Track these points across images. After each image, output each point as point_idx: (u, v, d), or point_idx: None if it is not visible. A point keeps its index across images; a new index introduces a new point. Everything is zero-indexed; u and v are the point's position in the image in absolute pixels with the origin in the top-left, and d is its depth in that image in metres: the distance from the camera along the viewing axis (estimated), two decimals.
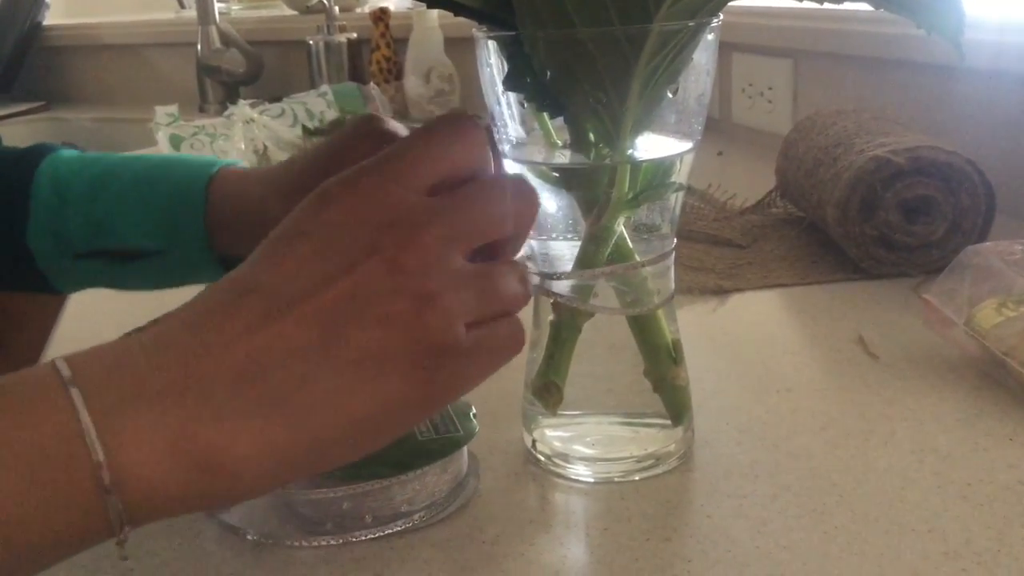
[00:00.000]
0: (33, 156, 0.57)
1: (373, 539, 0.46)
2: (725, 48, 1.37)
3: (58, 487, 0.30)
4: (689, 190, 0.99)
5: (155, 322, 0.35)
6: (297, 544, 0.46)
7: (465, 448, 0.50)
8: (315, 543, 0.46)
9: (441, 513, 0.48)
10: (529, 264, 0.46)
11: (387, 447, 0.37)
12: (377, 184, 0.35)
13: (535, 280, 0.47)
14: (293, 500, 0.47)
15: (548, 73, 0.44)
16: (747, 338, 0.70)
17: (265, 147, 1.29)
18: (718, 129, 1.40)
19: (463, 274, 0.35)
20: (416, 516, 0.47)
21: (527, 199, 0.39)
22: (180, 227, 0.54)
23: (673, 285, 0.51)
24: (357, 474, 0.46)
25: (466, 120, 0.38)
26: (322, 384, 0.33)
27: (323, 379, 0.33)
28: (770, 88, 1.30)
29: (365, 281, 0.34)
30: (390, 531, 0.47)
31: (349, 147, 0.52)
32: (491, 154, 0.40)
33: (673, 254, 0.51)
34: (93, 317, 0.81)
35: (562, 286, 0.49)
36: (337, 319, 0.33)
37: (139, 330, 0.34)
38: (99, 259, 0.55)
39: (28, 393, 0.31)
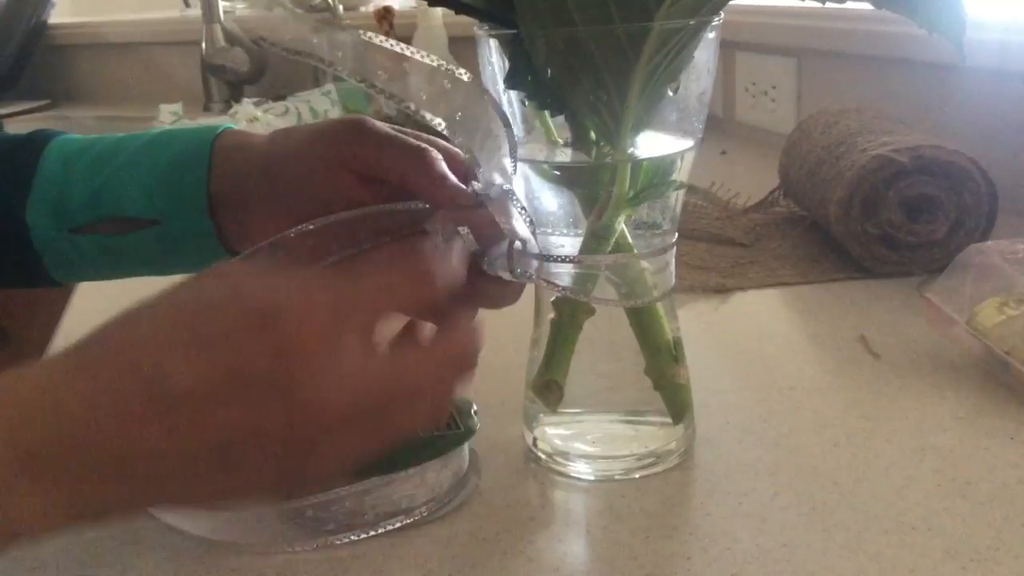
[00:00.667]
0: (44, 135, 0.57)
1: (374, 536, 0.47)
2: (729, 47, 1.37)
3: None
4: (692, 189, 0.99)
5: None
6: (300, 549, 0.46)
7: (466, 445, 0.50)
8: (315, 545, 0.46)
9: (442, 510, 0.48)
10: (530, 247, 0.47)
11: None
12: (329, 336, 0.35)
13: (534, 265, 0.46)
14: (297, 504, 0.47)
15: (549, 71, 0.44)
16: (749, 337, 0.70)
17: None
18: (721, 128, 1.40)
19: (368, 429, 0.36)
20: (417, 512, 0.48)
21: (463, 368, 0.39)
22: (181, 189, 0.53)
23: (673, 280, 0.51)
24: (359, 471, 0.46)
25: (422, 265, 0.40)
26: (189, 481, 0.35)
27: (191, 478, 0.35)
28: (773, 87, 1.30)
29: (262, 424, 0.34)
30: (391, 527, 0.47)
31: (341, 142, 0.51)
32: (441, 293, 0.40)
33: (674, 249, 0.51)
34: (97, 314, 0.81)
35: (562, 277, 0.49)
36: (222, 447, 0.34)
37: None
38: (96, 235, 0.54)
39: None
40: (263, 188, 0.52)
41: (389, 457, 0.46)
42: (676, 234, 0.51)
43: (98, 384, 0.34)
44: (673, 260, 0.51)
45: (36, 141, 0.57)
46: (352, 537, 0.46)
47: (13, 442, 0.33)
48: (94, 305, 0.83)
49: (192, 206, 0.53)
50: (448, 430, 0.50)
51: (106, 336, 0.36)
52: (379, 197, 0.48)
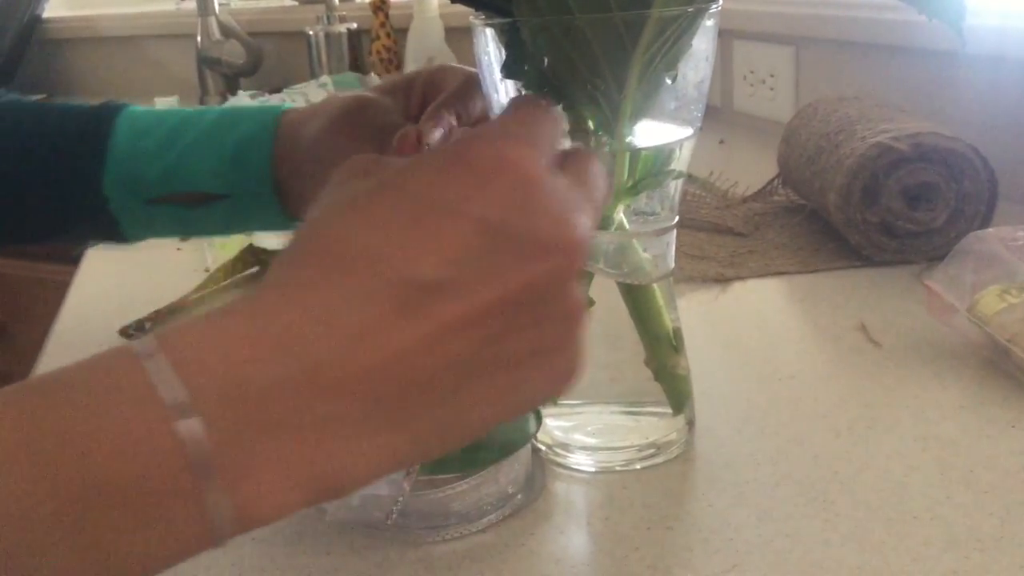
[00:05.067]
0: (109, 110, 0.61)
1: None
2: (727, 35, 1.36)
3: (168, 524, 0.26)
4: (691, 178, 0.98)
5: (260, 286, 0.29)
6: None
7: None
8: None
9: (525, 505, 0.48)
10: None
11: None
12: (531, 163, 0.30)
13: None
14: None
15: (546, 60, 0.43)
16: (749, 326, 0.70)
17: None
18: (720, 117, 1.39)
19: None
20: (503, 510, 0.47)
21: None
22: (247, 171, 0.58)
23: (672, 263, 0.51)
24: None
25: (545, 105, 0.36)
26: (462, 398, 0.29)
27: (465, 393, 0.29)
28: (772, 75, 1.29)
29: (532, 285, 0.29)
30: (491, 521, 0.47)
31: (413, 91, 0.57)
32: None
33: (673, 233, 0.50)
34: (93, 307, 0.81)
35: None
36: (496, 326, 0.29)
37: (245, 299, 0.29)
38: (170, 205, 0.59)
39: (128, 416, 0.25)
40: (320, 170, 0.54)
41: (473, 455, 0.47)
42: (676, 217, 0.50)
43: (319, 292, 0.28)
44: (673, 243, 0.51)
45: (104, 115, 0.60)
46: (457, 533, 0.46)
47: (225, 413, 0.26)
48: (90, 300, 0.83)
49: (258, 185, 0.58)
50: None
51: (308, 254, 0.29)
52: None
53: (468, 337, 0.28)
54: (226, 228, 0.63)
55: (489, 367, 0.29)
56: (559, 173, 0.32)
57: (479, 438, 0.31)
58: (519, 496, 0.48)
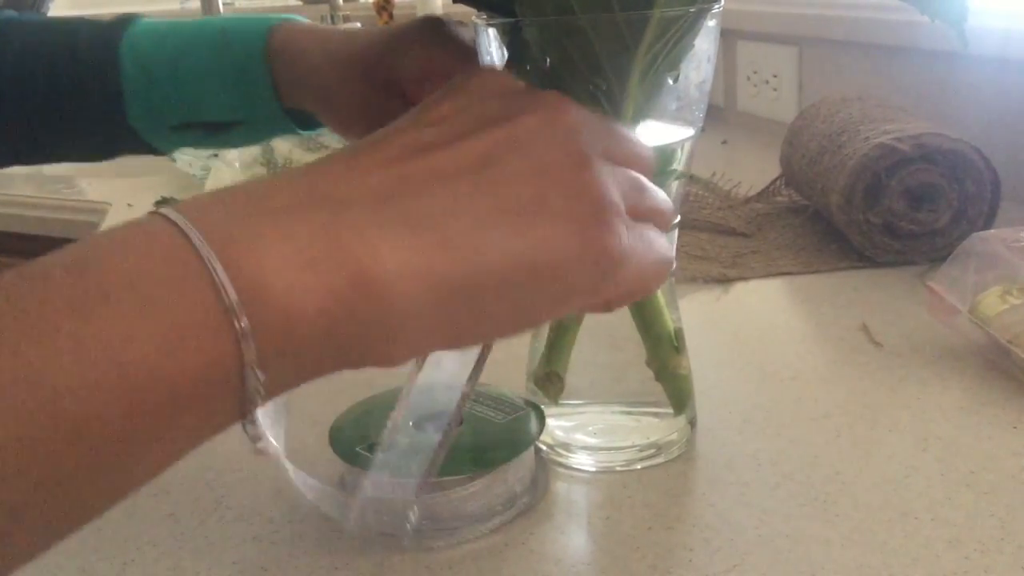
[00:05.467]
0: (112, 36, 0.61)
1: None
2: (730, 36, 1.36)
3: (177, 319, 0.25)
4: (693, 179, 0.99)
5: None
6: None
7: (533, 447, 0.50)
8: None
9: (530, 506, 0.48)
10: None
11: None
12: (504, 75, 0.36)
13: None
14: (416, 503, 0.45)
15: (548, 60, 0.43)
16: (751, 327, 0.70)
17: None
18: (723, 117, 1.39)
19: (611, 164, 0.34)
20: (511, 511, 0.47)
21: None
22: (252, 99, 0.59)
23: (674, 266, 0.51)
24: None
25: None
26: (473, 218, 0.30)
27: (475, 213, 0.30)
28: (775, 76, 1.29)
29: (524, 130, 0.32)
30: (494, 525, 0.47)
31: (414, 40, 0.54)
32: None
33: (675, 233, 0.50)
34: None
35: None
36: (492, 161, 0.31)
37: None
38: (192, 130, 0.61)
39: (131, 234, 0.27)
40: (326, 102, 0.56)
41: (481, 456, 0.47)
42: (678, 216, 0.50)
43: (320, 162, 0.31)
44: (675, 244, 0.51)
45: (109, 41, 0.60)
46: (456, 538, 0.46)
47: (217, 208, 0.28)
48: None
49: (266, 109, 0.59)
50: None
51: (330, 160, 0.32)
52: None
53: (460, 163, 0.31)
54: (250, 143, 0.67)
55: (485, 199, 0.31)
56: None
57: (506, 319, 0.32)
58: (525, 497, 0.48)
